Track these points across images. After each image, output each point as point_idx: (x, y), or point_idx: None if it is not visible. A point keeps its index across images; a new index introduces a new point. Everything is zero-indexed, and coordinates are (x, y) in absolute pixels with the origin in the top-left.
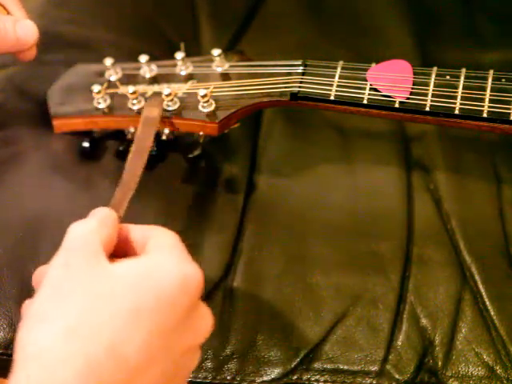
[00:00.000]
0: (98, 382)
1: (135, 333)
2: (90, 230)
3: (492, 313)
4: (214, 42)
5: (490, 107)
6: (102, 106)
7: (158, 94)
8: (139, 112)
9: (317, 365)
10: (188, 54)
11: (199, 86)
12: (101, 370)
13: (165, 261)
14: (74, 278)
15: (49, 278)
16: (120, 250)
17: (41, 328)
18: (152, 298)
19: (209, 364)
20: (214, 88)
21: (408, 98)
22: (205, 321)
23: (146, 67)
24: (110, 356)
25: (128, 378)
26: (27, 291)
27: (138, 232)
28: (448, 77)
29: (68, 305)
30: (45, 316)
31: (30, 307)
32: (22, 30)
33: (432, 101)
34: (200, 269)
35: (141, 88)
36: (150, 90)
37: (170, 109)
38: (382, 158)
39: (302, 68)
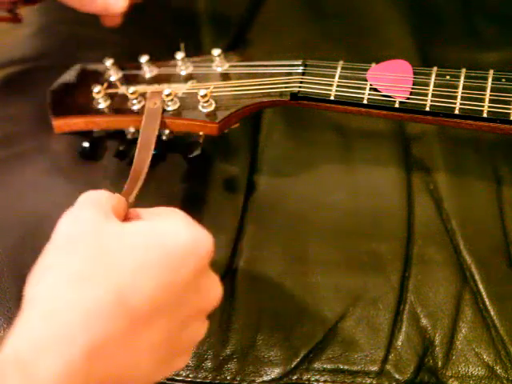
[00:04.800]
0: (101, 328)
1: (142, 284)
2: (103, 194)
3: (492, 313)
4: (214, 42)
5: (489, 107)
6: (102, 106)
7: (157, 93)
8: (139, 112)
9: (317, 365)
10: (188, 54)
11: (199, 86)
12: (104, 316)
13: (176, 224)
14: (82, 231)
15: (57, 232)
16: None
17: (45, 276)
18: (161, 254)
19: (209, 364)
20: (214, 88)
21: (408, 98)
22: (214, 288)
23: (146, 67)
24: (114, 303)
25: (132, 328)
26: None
27: (148, 212)
28: (448, 77)
29: (74, 254)
30: (50, 265)
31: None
32: None
33: (432, 101)
34: (211, 235)
35: (141, 88)
36: (150, 90)
37: (169, 109)
38: (381, 158)
39: (302, 68)
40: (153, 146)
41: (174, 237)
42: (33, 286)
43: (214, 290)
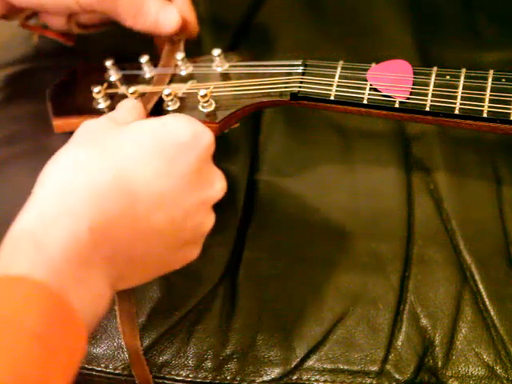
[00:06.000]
0: (104, 206)
1: (144, 170)
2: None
3: (492, 313)
4: (214, 42)
5: (490, 107)
6: (102, 106)
7: (156, 94)
8: None
9: (317, 365)
10: (188, 54)
11: (199, 86)
12: (106, 196)
13: (178, 120)
14: (91, 131)
15: (71, 139)
16: None
17: (55, 163)
18: (162, 145)
19: (209, 364)
20: (214, 88)
21: (408, 98)
22: (216, 179)
23: (146, 67)
24: (116, 185)
25: (134, 210)
26: None
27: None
28: (448, 77)
29: (80, 145)
30: (58, 156)
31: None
32: (164, 16)
33: (432, 101)
34: (211, 132)
35: (141, 88)
36: (150, 90)
37: (169, 109)
38: (382, 158)
39: (302, 68)
40: None
41: (175, 130)
42: (44, 173)
43: (217, 182)
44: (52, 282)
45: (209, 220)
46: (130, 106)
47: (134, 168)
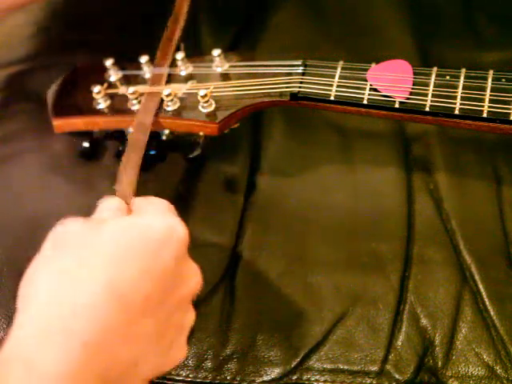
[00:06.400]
0: (98, 320)
1: (128, 270)
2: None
3: (492, 313)
4: (214, 42)
5: (489, 107)
6: (102, 106)
7: (156, 95)
8: None
9: (317, 365)
10: (188, 54)
11: (199, 86)
12: (100, 309)
13: (153, 215)
14: (70, 234)
15: (48, 239)
16: None
17: (38, 271)
18: (139, 243)
19: (209, 364)
20: (214, 88)
21: (408, 98)
22: (194, 274)
23: (146, 67)
24: (108, 295)
25: (128, 318)
26: None
27: (136, 204)
28: (448, 77)
29: (62, 253)
30: (41, 263)
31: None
32: None
33: (432, 101)
34: (184, 225)
35: (141, 88)
36: (150, 90)
37: (169, 109)
38: (381, 158)
39: (302, 68)
40: (148, 132)
41: (150, 226)
42: (26, 286)
43: (194, 276)
44: None
45: (189, 317)
46: (114, 208)
47: (119, 275)
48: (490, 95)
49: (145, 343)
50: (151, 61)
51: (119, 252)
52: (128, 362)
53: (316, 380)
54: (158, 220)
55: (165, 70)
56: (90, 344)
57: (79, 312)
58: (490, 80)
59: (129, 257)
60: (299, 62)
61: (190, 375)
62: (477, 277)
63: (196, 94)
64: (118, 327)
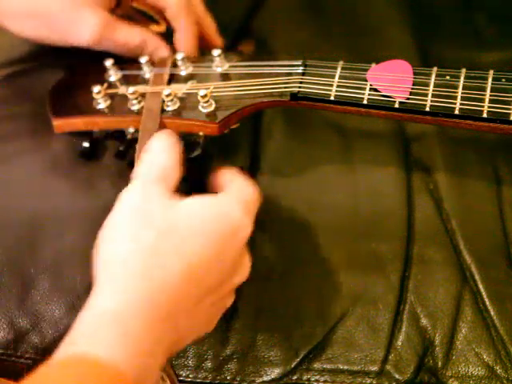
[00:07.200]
0: (176, 297)
1: (207, 252)
2: (170, 166)
3: (492, 313)
4: None
5: (489, 107)
6: (102, 106)
7: (157, 94)
8: (139, 112)
9: (317, 365)
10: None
11: (199, 86)
12: (179, 287)
13: (231, 201)
14: (154, 207)
15: (128, 203)
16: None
17: (122, 241)
18: (221, 231)
19: (209, 364)
20: (214, 88)
21: (408, 98)
22: (248, 266)
23: (146, 67)
24: (188, 273)
25: (200, 296)
26: (27, 291)
27: (225, 176)
28: (448, 77)
29: (148, 229)
30: (123, 236)
31: (108, 222)
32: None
33: (432, 101)
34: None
35: (141, 88)
36: (150, 90)
37: (169, 109)
38: (381, 158)
39: (302, 68)
40: (158, 118)
41: (230, 215)
42: (106, 246)
43: (247, 268)
44: (127, 370)
45: (231, 300)
46: (171, 164)
47: (198, 258)
48: (490, 95)
49: (199, 320)
50: (151, 61)
51: (202, 237)
52: (181, 335)
53: (316, 380)
54: (237, 210)
55: (166, 70)
56: (168, 319)
57: (167, 289)
58: (490, 80)
59: (210, 244)
60: (299, 62)
61: (190, 375)
62: (477, 277)
63: (196, 93)
64: (188, 304)
